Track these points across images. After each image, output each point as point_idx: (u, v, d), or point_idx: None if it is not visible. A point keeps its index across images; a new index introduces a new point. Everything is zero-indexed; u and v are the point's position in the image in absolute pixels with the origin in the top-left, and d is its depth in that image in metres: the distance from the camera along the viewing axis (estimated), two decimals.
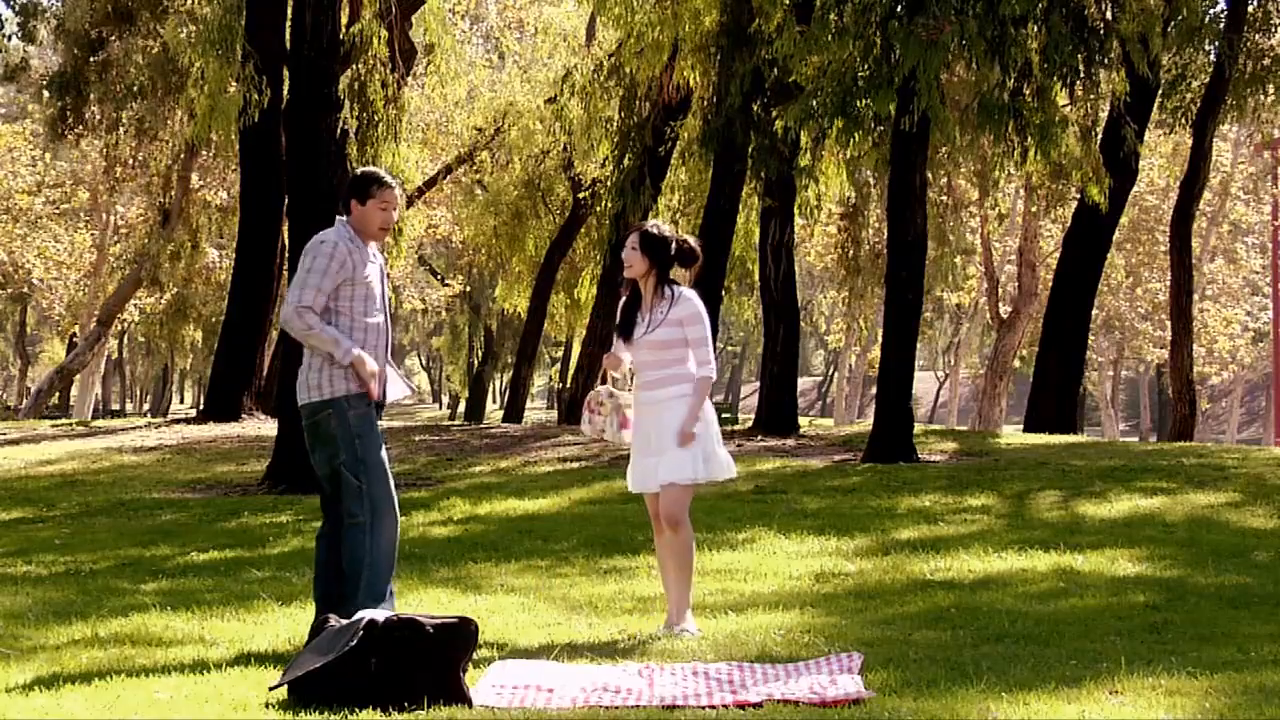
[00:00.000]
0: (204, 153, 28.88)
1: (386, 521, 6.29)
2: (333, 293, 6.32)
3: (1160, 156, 32.90)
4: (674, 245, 6.64)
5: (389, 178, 6.48)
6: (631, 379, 6.77)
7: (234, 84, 17.50)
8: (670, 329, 6.55)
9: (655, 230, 6.67)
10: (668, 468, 6.47)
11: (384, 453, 6.38)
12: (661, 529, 6.58)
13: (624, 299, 6.77)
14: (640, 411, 6.63)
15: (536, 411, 66.57)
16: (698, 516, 9.58)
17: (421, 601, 7.45)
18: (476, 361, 51.24)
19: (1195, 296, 28.16)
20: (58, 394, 38.45)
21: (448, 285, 45.26)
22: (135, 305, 36.18)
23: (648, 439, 6.57)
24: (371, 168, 6.65)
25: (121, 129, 27.88)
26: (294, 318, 6.30)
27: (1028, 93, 14.25)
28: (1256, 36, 19.17)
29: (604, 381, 6.87)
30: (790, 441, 16.72)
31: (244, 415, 19.94)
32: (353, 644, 5.20)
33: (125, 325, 41.35)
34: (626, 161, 22.09)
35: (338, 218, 6.49)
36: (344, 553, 6.23)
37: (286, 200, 16.18)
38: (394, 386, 6.51)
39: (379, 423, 6.41)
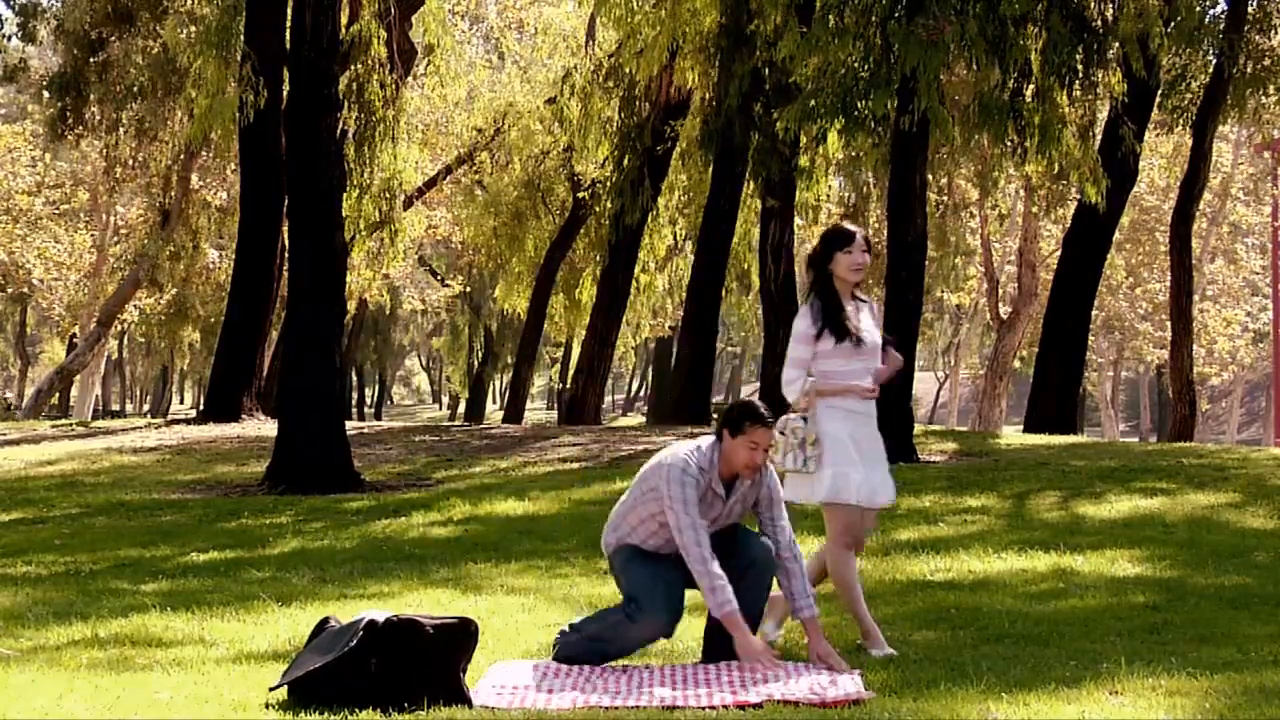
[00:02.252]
0: (204, 153, 28.89)
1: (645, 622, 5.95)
2: (653, 514, 5.95)
3: (1160, 157, 32.89)
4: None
5: (767, 414, 5.90)
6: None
7: (233, 84, 17.50)
8: (877, 333, 6.30)
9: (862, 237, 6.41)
10: (889, 489, 6.31)
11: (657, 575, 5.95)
12: (859, 549, 6.35)
13: (822, 306, 6.24)
14: (852, 422, 6.18)
15: (537, 412, 66.58)
16: None
17: (421, 602, 7.45)
18: (476, 362, 51.26)
19: (1195, 297, 28.15)
20: (58, 394, 38.43)
21: (448, 286, 45.28)
22: (135, 306, 36.17)
23: (870, 449, 6.21)
24: (752, 400, 5.99)
25: (121, 129, 27.87)
26: (700, 559, 5.76)
27: (1028, 93, 14.25)
28: (1256, 37, 19.15)
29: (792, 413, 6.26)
30: None
31: (244, 416, 19.94)
32: (353, 644, 5.20)
33: (125, 326, 41.33)
34: (626, 162, 22.11)
35: (709, 438, 5.98)
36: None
37: (286, 201, 16.18)
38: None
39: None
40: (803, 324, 6.23)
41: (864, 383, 6.18)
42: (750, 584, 5.94)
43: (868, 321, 6.29)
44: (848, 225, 6.42)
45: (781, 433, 6.10)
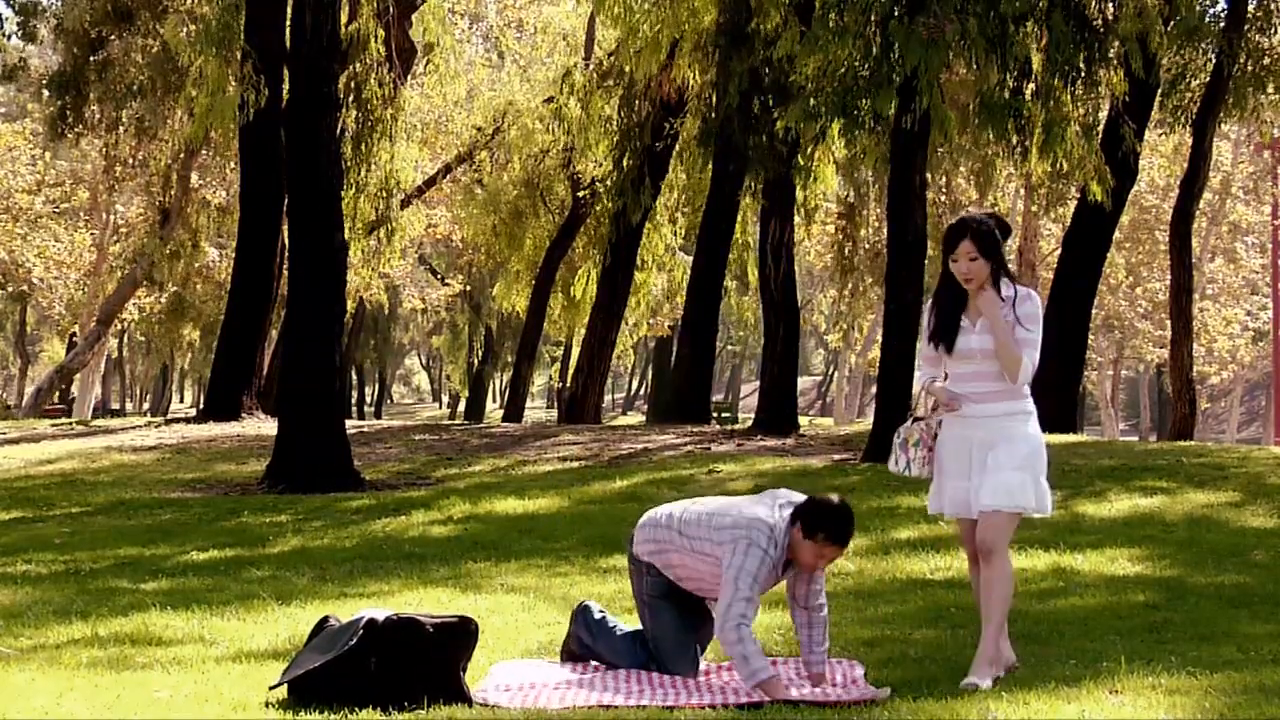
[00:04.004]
0: (204, 152, 28.88)
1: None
2: (711, 570, 5.66)
3: (1161, 156, 32.88)
4: (1001, 229, 5.63)
5: (847, 535, 5.60)
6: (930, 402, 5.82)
7: (233, 83, 17.50)
8: (1004, 332, 5.56)
9: (987, 228, 5.60)
10: (994, 493, 5.55)
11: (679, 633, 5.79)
12: (979, 559, 5.69)
13: (940, 299, 5.72)
14: (965, 427, 5.66)
15: (536, 411, 66.57)
16: None
17: (421, 601, 7.45)
18: (476, 361, 51.25)
19: (1195, 296, 28.12)
20: (58, 393, 38.43)
21: (447, 284, 45.28)
22: (135, 304, 36.17)
23: (964, 459, 5.65)
24: (846, 508, 5.63)
25: (121, 128, 27.86)
26: (737, 626, 5.43)
27: (1028, 92, 14.25)
28: (1257, 36, 19.14)
29: (916, 418, 5.88)
30: (790, 441, 16.72)
31: (244, 415, 19.94)
32: (352, 643, 5.20)
33: (125, 325, 41.34)
34: (626, 161, 22.11)
35: (785, 516, 5.63)
36: None
37: (286, 200, 16.17)
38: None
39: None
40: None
41: (957, 390, 5.65)
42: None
43: (987, 323, 5.59)
44: (959, 220, 5.70)
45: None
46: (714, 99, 18.65)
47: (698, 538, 5.70)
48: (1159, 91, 19.05)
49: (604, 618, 6.02)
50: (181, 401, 73.05)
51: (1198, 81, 19.34)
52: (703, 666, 5.81)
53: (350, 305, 29.42)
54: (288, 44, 15.03)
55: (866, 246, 30.26)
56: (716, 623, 5.52)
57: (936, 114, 13.46)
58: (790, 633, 6.49)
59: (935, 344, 5.70)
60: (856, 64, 13.75)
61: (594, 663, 5.92)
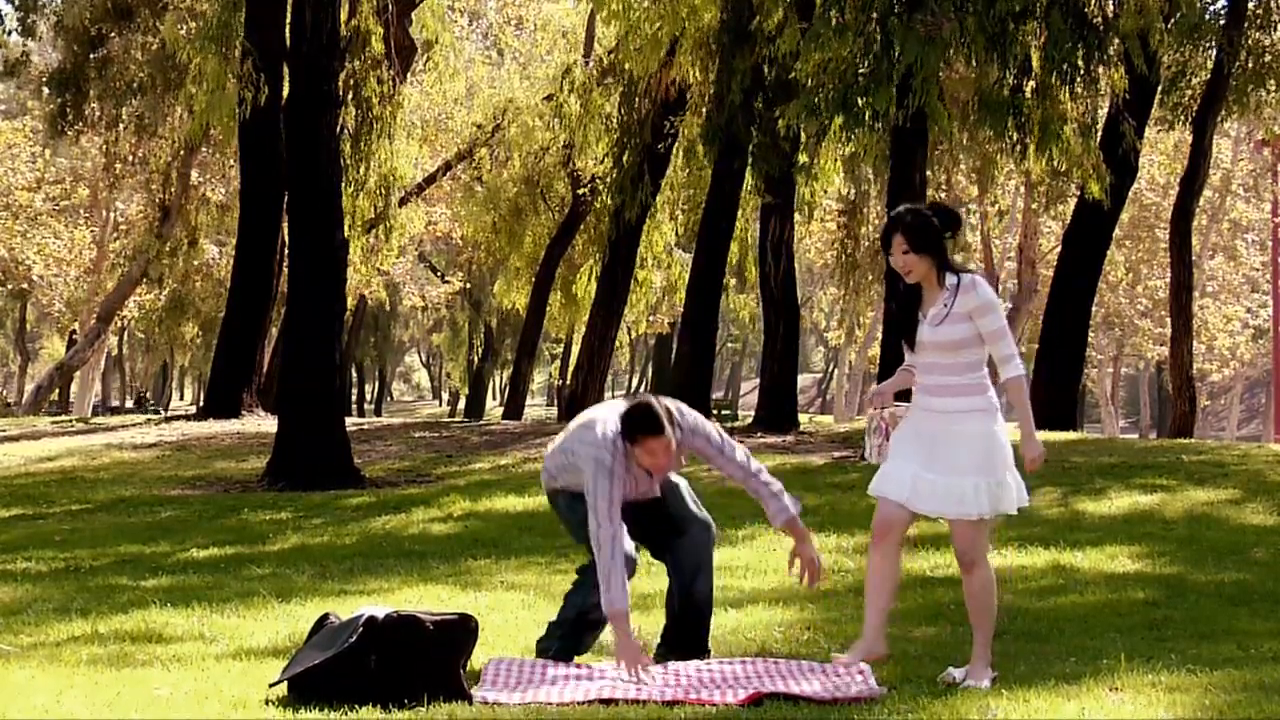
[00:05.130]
0: (204, 149, 28.88)
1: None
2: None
3: (1161, 153, 32.88)
4: (939, 221, 5.51)
5: (660, 421, 5.74)
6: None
7: (232, 80, 17.49)
8: (957, 326, 5.44)
9: (918, 220, 5.50)
10: (944, 499, 5.44)
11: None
12: (880, 542, 5.64)
13: (900, 296, 5.66)
14: (921, 419, 5.55)
15: (537, 408, 66.57)
16: None
17: (421, 598, 7.45)
18: (477, 358, 51.25)
19: (1195, 293, 28.14)
20: (57, 390, 38.44)
21: (447, 282, 45.27)
22: (134, 302, 36.18)
23: (909, 446, 5.53)
24: (646, 405, 5.79)
25: (121, 125, 27.87)
26: (607, 543, 5.68)
27: (1028, 89, 14.25)
28: (1257, 33, 19.14)
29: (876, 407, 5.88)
30: (790, 438, 16.72)
31: (244, 412, 19.95)
32: (352, 641, 5.20)
33: (125, 322, 41.34)
34: (626, 158, 22.09)
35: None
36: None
37: (286, 197, 16.17)
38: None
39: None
40: None
41: (923, 382, 5.56)
42: (682, 555, 6.00)
43: (939, 308, 5.48)
44: (891, 215, 5.65)
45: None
46: (716, 96, 18.65)
47: (572, 451, 5.98)
48: (1159, 89, 19.05)
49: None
50: (182, 399, 73.08)
51: (1198, 79, 19.34)
52: (703, 666, 5.81)
53: (350, 303, 29.44)
54: (288, 41, 15.03)
55: (867, 244, 30.27)
56: (591, 544, 5.74)
57: (932, 111, 13.47)
58: (789, 629, 6.50)
59: (898, 340, 5.74)
60: (856, 61, 13.76)
61: (591, 660, 5.92)
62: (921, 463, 5.47)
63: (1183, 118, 19.80)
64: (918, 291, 5.55)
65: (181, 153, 28.41)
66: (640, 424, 5.76)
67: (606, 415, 5.97)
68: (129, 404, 52.49)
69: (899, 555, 5.68)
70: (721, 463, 6.04)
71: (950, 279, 5.46)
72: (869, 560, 5.69)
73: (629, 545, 5.78)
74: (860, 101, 13.60)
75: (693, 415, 5.99)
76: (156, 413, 31.74)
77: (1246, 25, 18.85)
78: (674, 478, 6.11)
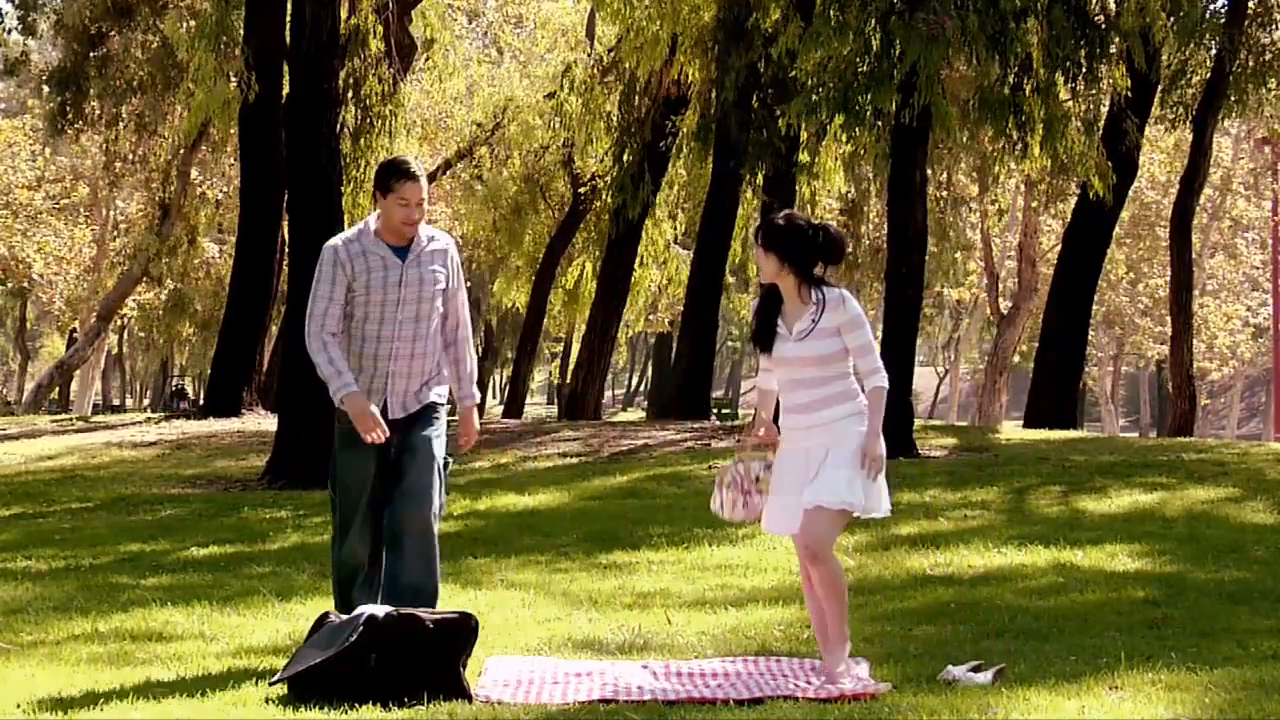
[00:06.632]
0: (204, 148, 28.88)
1: (336, 547, 6.04)
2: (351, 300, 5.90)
3: (1161, 152, 32.88)
4: (812, 235, 5.43)
5: (414, 167, 5.87)
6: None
7: (232, 80, 17.49)
8: (824, 340, 5.38)
9: (783, 221, 5.46)
10: (817, 489, 5.31)
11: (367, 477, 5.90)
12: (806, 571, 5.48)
13: (756, 303, 5.59)
14: (795, 439, 5.46)
15: (537, 407, 66.57)
16: (696, 513, 9.58)
17: None
18: (476, 357, 51.25)
19: (1195, 292, 28.15)
20: (58, 389, 38.45)
21: None
22: (134, 300, 36.18)
23: (799, 472, 5.41)
24: (399, 156, 5.97)
25: (121, 124, 27.87)
26: (308, 341, 5.89)
27: (1028, 88, 14.25)
28: (1257, 31, 19.14)
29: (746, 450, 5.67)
30: None
31: (244, 410, 19.95)
32: (352, 639, 5.20)
33: (125, 320, 41.35)
34: (626, 157, 22.09)
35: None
36: None
37: (286, 196, 16.17)
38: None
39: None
40: None
41: (787, 403, 5.48)
42: (399, 506, 5.87)
43: (805, 323, 5.40)
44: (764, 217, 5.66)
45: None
46: (714, 95, 18.65)
47: None
48: (1159, 87, 19.05)
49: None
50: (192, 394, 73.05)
51: (1198, 77, 19.34)
52: (705, 665, 5.81)
53: None
54: (287, 40, 15.03)
55: (867, 242, 30.29)
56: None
57: (936, 110, 13.47)
58: (789, 629, 6.50)
59: (754, 346, 5.58)
60: (857, 60, 13.75)
61: (590, 660, 5.93)
62: (800, 486, 5.38)
63: (1183, 116, 19.80)
64: (778, 300, 5.48)
65: (181, 151, 28.41)
66: (392, 169, 5.82)
67: None
68: (137, 400, 52.36)
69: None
70: (454, 292, 6.06)
71: (815, 293, 5.39)
72: (804, 587, 5.59)
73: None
74: (861, 100, 13.60)
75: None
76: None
77: (1247, 23, 18.85)
78: (436, 450, 5.93)
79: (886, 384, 5.41)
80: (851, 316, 5.37)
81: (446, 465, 6.05)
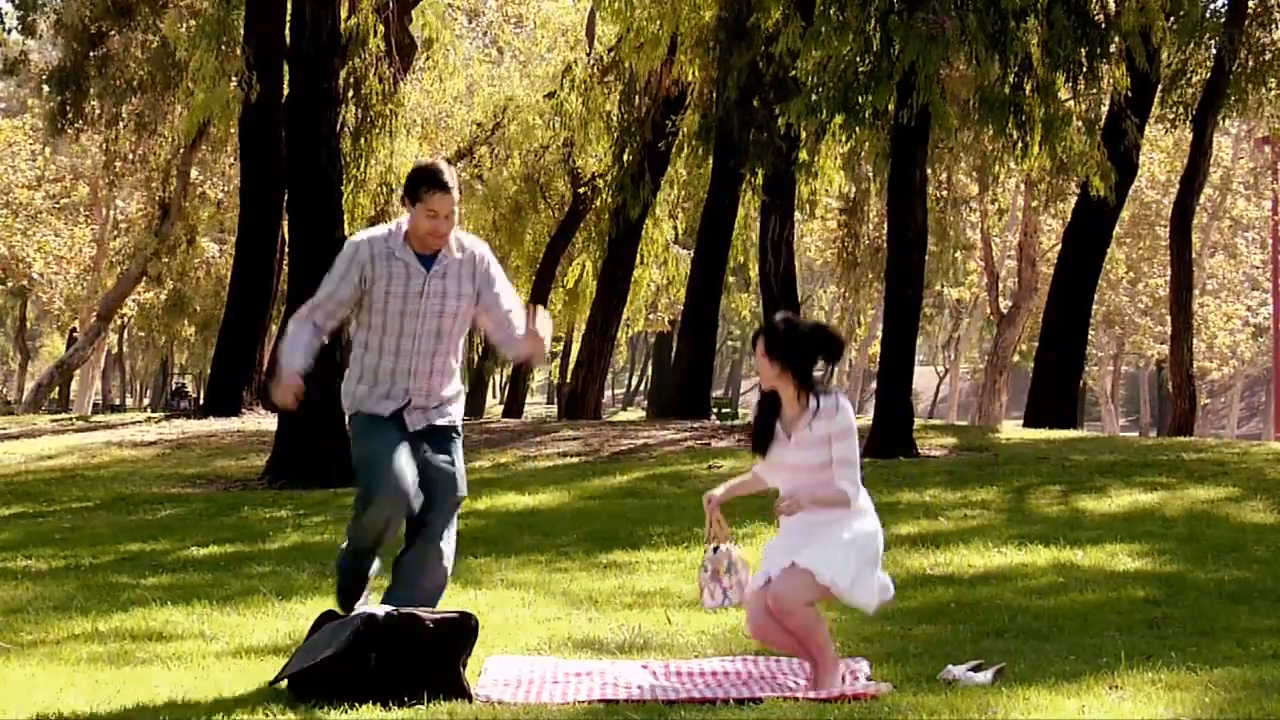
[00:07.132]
0: (204, 147, 28.88)
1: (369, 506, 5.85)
2: (360, 304, 5.65)
3: (1161, 151, 32.88)
4: (811, 337, 5.37)
5: (446, 177, 5.47)
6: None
7: (233, 80, 17.49)
8: (817, 450, 5.33)
9: (784, 326, 5.39)
10: (814, 556, 5.22)
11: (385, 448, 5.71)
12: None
13: (757, 402, 5.52)
14: (790, 523, 5.42)
15: (536, 406, 66.57)
16: (696, 513, 9.57)
17: None
18: (476, 356, 51.18)
19: (1195, 291, 28.16)
20: (58, 389, 38.44)
21: None
22: (134, 300, 36.18)
23: (798, 531, 5.36)
24: (431, 164, 5.56)
25: (121, 124, 27.88)
26: (292, 319, 5.75)
27: (1028, 87, 14.25)
28: (1257, 31, 19.14)
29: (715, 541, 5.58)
30: None
31: (244, 410, 19.95)
32: (352, 639, 5.20)
33: (125, 320, 41.35)
34: (626, 156, 22.10)
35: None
36: None
37: (286, 195, 16.17)
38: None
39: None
40: None
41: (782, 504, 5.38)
42: (431, 498, 5.73)
43: (803, 430, 5.33)
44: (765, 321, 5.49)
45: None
46: (714, 94, 18.66)
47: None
48: (1159, 87, 19.05)
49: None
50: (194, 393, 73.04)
51: (1198, 77, 19.34)
52: (705, 664, 5.81)
53: None
54: (287, 39, 15.03)
55: (867, 242, 30.27)
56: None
57: (936, 109, 13.47)
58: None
59: (752, 450, 5.53)
60: (857, 59, 13.76)
61: (590, 659, 5.92)
62: (798, 547, 5.29)
63: (1183, 115, 19.80)
64: (777, 401, 5.40)
65: (181, 151, 28.42)
66: (422, 177, 5.50)
67: None
68: (137, 399, 52.39)
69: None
70: (497, 299, 5.71)
71: (812, 400, 5.31)
72: (762, 641, 5.54)
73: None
74: (860, 100, 13.61)
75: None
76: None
77: (1247, 23, 18.85)
78: (460, 488, 5.76)
79: (850, 496, 5.32)
80: (842, 428, 5.31)
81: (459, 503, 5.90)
